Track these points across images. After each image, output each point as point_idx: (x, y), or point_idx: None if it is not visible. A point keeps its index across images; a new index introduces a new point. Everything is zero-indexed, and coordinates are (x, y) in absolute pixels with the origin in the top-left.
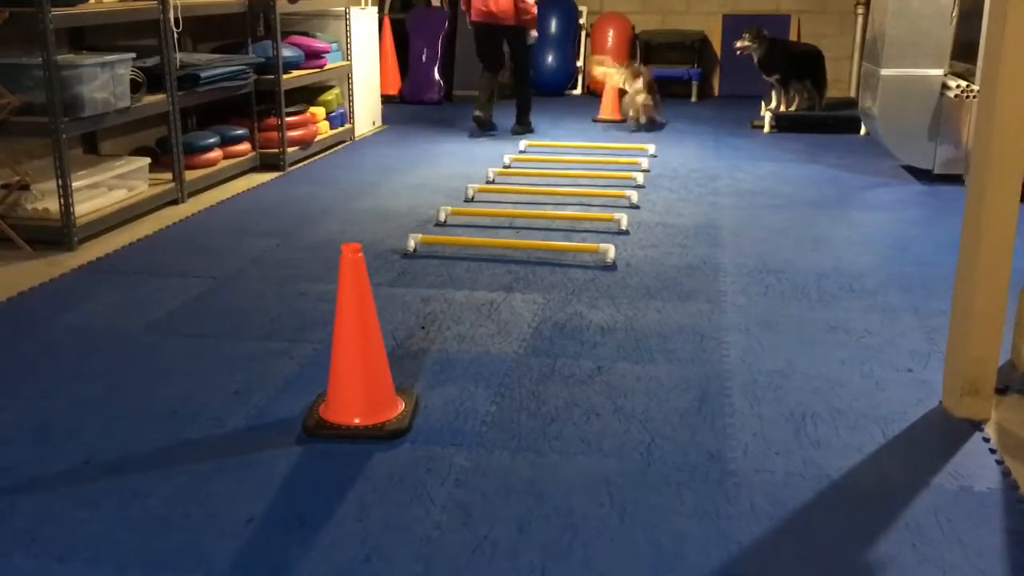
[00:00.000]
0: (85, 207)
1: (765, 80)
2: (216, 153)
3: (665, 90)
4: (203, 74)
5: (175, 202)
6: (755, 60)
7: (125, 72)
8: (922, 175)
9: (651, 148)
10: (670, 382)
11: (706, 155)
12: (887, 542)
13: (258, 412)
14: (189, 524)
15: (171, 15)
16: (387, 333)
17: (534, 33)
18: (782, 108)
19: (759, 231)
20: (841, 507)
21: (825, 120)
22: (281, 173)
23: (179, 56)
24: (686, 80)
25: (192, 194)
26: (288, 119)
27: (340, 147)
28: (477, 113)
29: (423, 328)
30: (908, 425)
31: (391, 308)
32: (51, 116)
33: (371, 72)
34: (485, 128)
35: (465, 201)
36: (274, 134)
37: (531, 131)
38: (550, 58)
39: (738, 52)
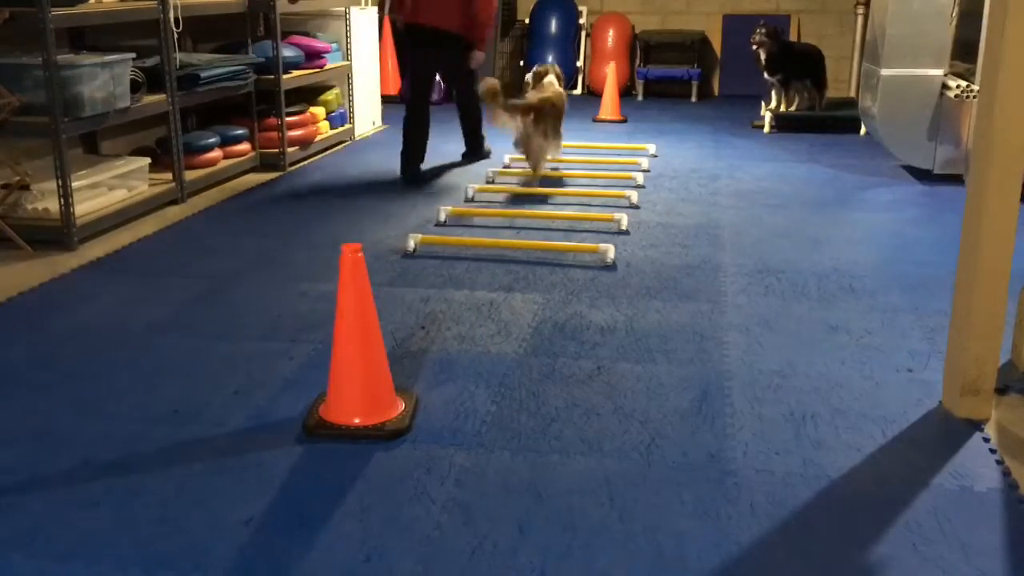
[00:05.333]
0: (85, 207)
1: (766, 80)
2: (216, 153)
3: (665, 90)
4: (203, 74)
5: (175, 202)
6: (763, 58)
7: (125, 72)
8: (922, 175)
9: (651, 148)
10: (670, 382)
11: (706, 155)
12: (887, 542)
13: (258, 412)
14: (189, 524)
15: (171, 15)
16: (387, 333)
17: (480, 55)
18: (782, 108)
19: (759, 231)
20: (841, 507)
21: (825, 120)
22: (281, 173)
23: (179, 56)
24: (686, 80)
25: (192, 194)
26: (288, 119)
27: (340, 147)
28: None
29: (423, 328)
30: (908, 425)
31: (391, 308)
32: (51, 116)
33: (371, 72)
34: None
35: (465, 201)
36: (274, 134)
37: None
38: (550, 58)
39: (755, 47)
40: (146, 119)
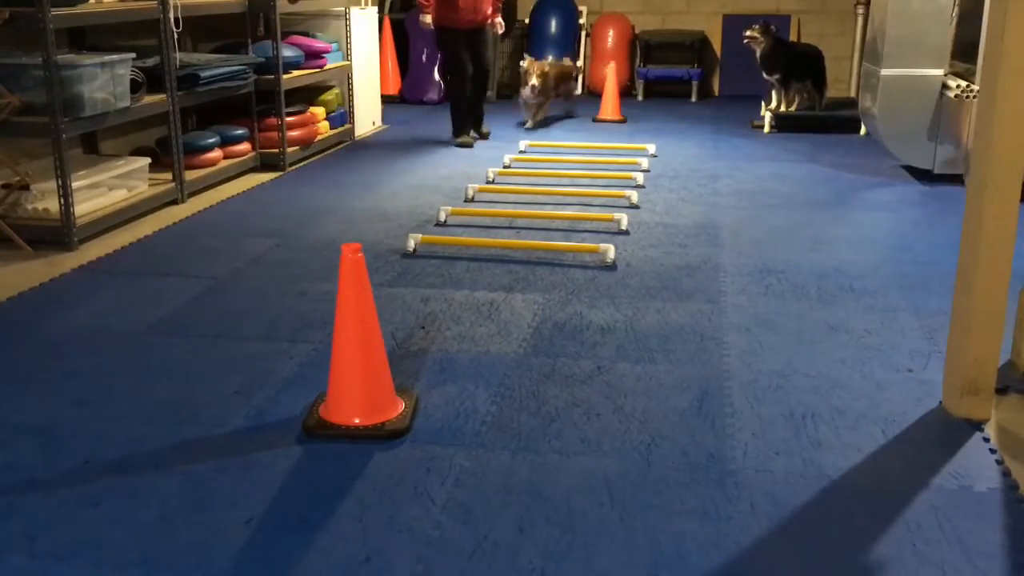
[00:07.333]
0: (85, 207)
1: (765, 80)
2: (216, 153)
3: (665, 90)
4: (203, 74)
5: (175, 202)
6: (757, 56)
7: (125, 72)
8: (922, 175)
9: (651, 148)
10: (670, 382)
11: (706, 155)
12: (887, 542)
13: (258, 412)
14: (189, 524)
15: (171, 15)
16: (387, 333)
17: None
18: (782, 108)
19: (759, 231)
20: (841, 507)
21: (825, 120)
22: (281, 173)
23: (179, 56)
24: (686, 80)
25: (192, 194)
26: (288, 119)
27: (340, 147)
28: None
29: (423, 328)
30: (908, 425)
31: (391, 308)
32: (51, 116)
33: (371, 72)
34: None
35: (465, 201)
36: (274, 134)
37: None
38: (550, 58)
39: (745, 41)
40: (146, 119)
